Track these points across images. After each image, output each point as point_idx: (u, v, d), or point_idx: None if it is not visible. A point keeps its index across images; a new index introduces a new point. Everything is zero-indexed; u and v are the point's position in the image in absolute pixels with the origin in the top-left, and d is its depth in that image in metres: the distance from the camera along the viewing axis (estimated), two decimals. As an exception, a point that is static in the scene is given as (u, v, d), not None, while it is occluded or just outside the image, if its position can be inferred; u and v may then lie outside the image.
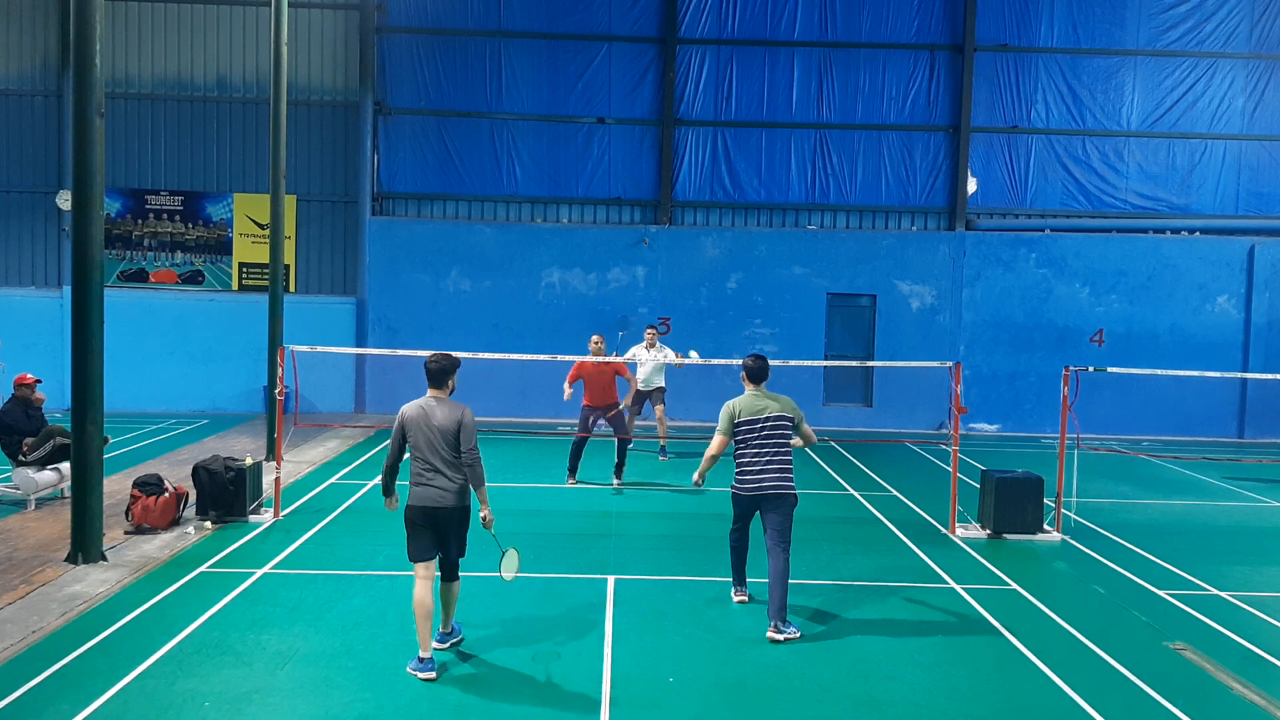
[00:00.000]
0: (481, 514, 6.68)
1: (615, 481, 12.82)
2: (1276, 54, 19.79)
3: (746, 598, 8.15)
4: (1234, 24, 19.71)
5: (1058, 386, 12.19)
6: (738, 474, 7.67)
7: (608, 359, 12.78)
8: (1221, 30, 19.71)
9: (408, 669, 6.48)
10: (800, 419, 7.77)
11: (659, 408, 15.01)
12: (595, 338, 12.85)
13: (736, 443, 7.69)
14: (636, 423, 15.38)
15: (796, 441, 7.81)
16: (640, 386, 14.69)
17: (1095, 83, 19.78)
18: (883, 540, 10.39)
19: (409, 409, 6.61)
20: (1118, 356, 19.10)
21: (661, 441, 15.23)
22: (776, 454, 7.55)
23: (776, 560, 7.45)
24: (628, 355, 14.80)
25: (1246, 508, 12.69)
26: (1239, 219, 19.89)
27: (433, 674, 6.40)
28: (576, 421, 13.08)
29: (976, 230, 19.76)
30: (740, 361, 8.12)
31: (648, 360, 14.77)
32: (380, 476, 6.98)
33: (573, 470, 13.01)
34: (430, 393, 6.66)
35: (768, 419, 7.58)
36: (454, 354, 6.91)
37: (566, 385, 12.78)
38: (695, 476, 8.05)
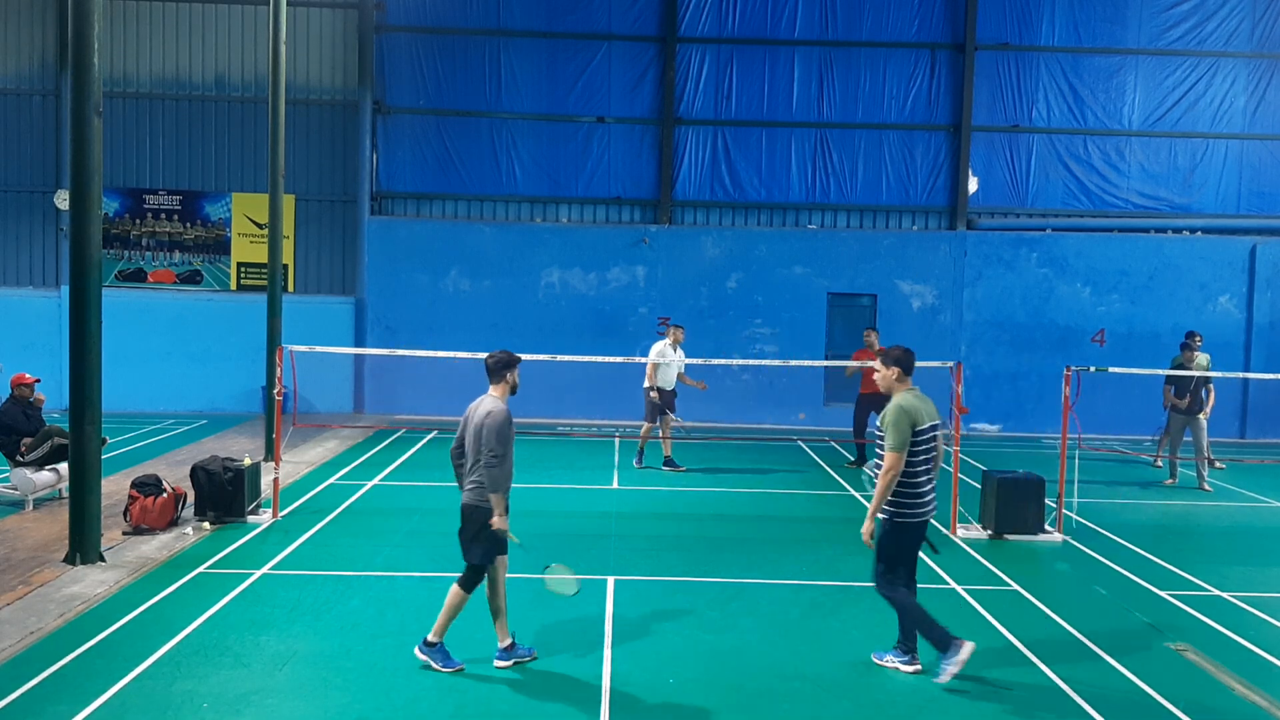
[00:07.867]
0: (491, 520, 6.39)
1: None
2: (1278, 53, 19.75)
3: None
4: (1235, 23, 19.67)
5: (1059, 386, 12.15)
6: (909, 498, 6.31)
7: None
8: (1223, 29, 19.67)
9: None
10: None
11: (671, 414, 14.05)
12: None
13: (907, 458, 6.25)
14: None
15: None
16: (665, 386, 13.83)
17: (1096, 82, 19.75)
18: (883, 540, 10.35)
19: (472, 404, 6.67)
20: (1119, 356, 19.05)
21: (667, 453, 14.20)
22: (935, 468, 6.41)
23: (913, 591, 6.63)
24: (653, 352, 13.77)
25: (1247, 508, 12.67)
26: (1240, 218, 19.86)
27: (457, 666, 6.53)
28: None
29: (978, 230, 19.72)
30: (893, 354, 6.49)
31: (674, 361, 13.81)
32: None
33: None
34: (490, 390, 6.68)
35: (937, 426, 6.27)
36: (511, 352, 6.82)
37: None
38: (866, 526, 6.41)
